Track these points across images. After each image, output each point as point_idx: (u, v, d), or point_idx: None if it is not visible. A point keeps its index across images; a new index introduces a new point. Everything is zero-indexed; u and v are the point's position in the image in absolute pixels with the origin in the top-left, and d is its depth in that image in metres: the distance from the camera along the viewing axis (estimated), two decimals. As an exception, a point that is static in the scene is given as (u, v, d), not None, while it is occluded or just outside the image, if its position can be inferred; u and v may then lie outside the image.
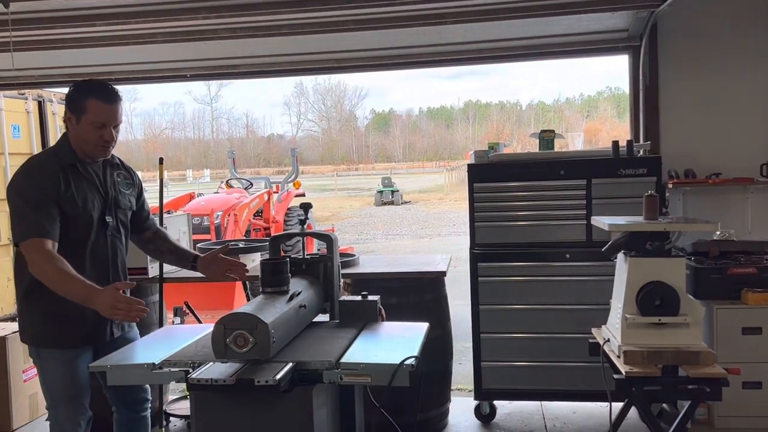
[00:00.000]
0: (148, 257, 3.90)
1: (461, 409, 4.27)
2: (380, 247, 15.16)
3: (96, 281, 2.57)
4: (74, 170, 2.66)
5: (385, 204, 27.00)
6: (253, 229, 9.21)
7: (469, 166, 4.12)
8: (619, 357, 2.78)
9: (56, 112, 7.73)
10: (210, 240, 7.25)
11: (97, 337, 2.74)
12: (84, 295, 2.47)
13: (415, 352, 2.31)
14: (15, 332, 4.35)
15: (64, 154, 2.68)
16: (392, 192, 27.77)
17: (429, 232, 17.96)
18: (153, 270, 3.98)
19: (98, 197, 2.70)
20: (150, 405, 3.01)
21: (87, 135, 2.64)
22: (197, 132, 73.31)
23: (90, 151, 2.68)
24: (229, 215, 8.44)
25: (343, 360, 2.27)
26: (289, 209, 10.14)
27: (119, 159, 2.89)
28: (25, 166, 2.68)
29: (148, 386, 2.98)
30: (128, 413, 2.93)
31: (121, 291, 2.48)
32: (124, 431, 2.95)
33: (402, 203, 27.33)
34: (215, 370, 2.18)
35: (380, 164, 59.38)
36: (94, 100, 2.62)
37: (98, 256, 2.70)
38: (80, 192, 2.64)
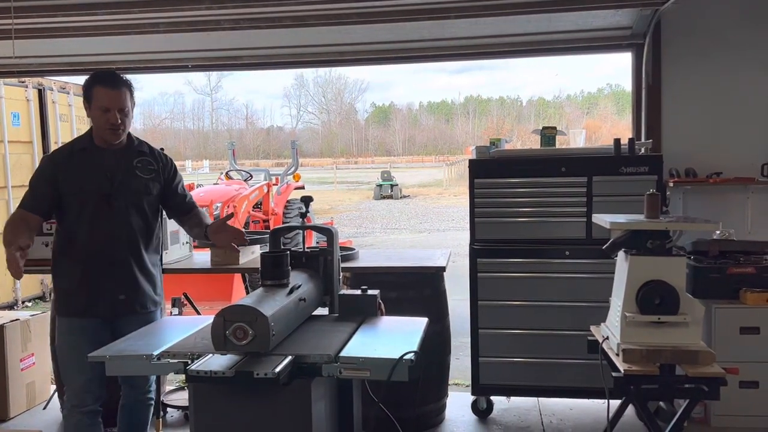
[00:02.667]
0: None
1: (458, 404, 4.27)
2: (379, 241, 15.16)
3: (99, 257, 2.86)
4: (83, 154, 2.91)
5: (384, 198, 27.00)
6: (252, 221, 9.20)
7: (471, 161, 4.11)
8: (617, 355, 2.78)
9: (56, 100, 7.71)
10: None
11: (97, 308, 2.89)
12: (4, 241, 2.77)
13: (415, 347, 2.31)
14: (12, 321, 4.36)
15: (80, 140, 3.00)
16: (391, 186, 27.76)
17: (428, 227, 17.96)
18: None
19: (102, 179, 2.87)
20: (153, 391, 3.11)
21: (96, 120, 2.88)
22: (196, 123, 73.28)
23: (102, 134, 2.89)
24: (228, 206, 8.43)
25: (342, 354, 2.27)
26: (288, 202, 10.12)
27: (150, 148, 3.07)
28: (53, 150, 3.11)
29: (152, 377, 3.08)
30: (133, 394, 3.05)
31: (23, 249, 2.69)
32: (127, 414, 3.06)
33: (401, 197, 27.33)
34: (214, 362, 2.18)
35: (379, 158, 59.32)
36: (98, 86, 2.84)
37: (99, 232, 2.87)
38: (82, 173, 2.87)
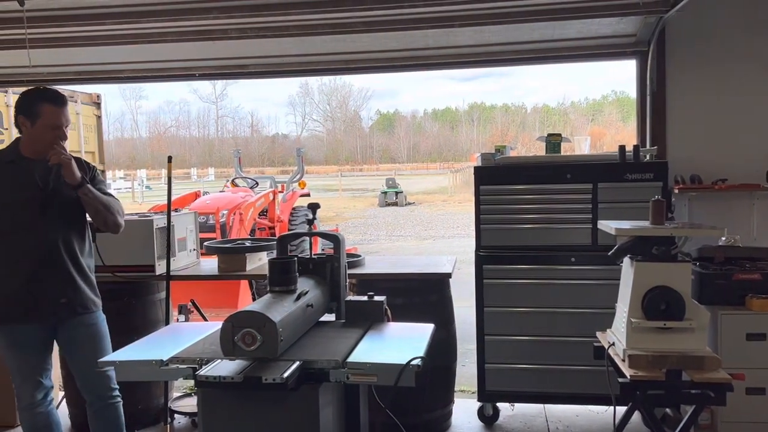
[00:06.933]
0: (156, 255, 3.97)
1: (464, 410, 4.28)
2: (384, 248, 15.16)
3: (38, 263, 2.93)
4: (11, 166, 2.97)
5: (389, 205, 27.01)
6: (258, 228, 9.22)
7: (476, 168, 4.13)
8: (623, 361, 2.79)
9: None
10: (215, 239, 7.28)
11: (38, 314, 2.96)
12: None
13: (421, 352, 2.33)
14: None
15: (5, 153, 3.06)
16: (396, 193, 27.79)
17: (433, 234, 17.97)
18: (160, 268, 4.00)
19: (34, 188, 2.95)
20: (118, 394, 3.17)
21: (42, 136, 2.93)
22: (202, 130, 73.57)
23: (44, 149, 2.92)
24: (234, 214, 8.45)
25: (349, 359, 2.29)
26: (294, 209, 10.14)
27: (75, 158, 3.10)
28: None
29: (112, 375, 3.07)
30: (97, 401, 3.12)
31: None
32: (96, 417, 3.15)
33: (406, 204, 27.34)
34: (223, 368, 2.20)
35: (384, 165, 59.43)
36: (46, 104, 2.92)
37: (38, 241, 2.94)
38: (12, 184, 2.94)
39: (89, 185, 2.99)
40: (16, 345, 2.98)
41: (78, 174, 2.93)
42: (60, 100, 2.97)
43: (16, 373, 3.04)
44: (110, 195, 3.18)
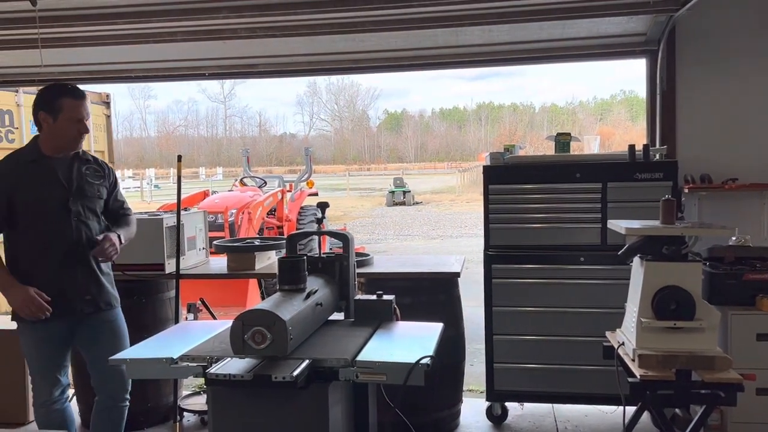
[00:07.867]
0: (165, 254, 3.99)
1: (473, 410, 4.27)
2: (391, 248, 15.16)
3: (63, 261, 2.96)
4: (34, 165, 2.98)
5: (396, 204, 27.01)
6: (266, 228, 9.24)
7: (485, 167, 4.12)
8: (633, 360, 2.78)
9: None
10: (224, 238, 7.30)
11: (62, 311, 2.96)
12: (2, 285, 2.94)
13: (430, 351, 2.33)
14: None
15: (26, 152, 3.05)
16: (404, 192, 27.78)
17: (440, 233, 17.95)
18: (170, 266, 4.02)
19: (58, 187, 2.97)
20: (129, 398, 3.20)
21: (66, 130, 2.97)
22: (210, 130, 73.83)
23: (67, 144, 3.00)
24: (243, 213, 8.47)
25: (358, 358, 2.29)
26: (302, 208, 10.16)
27: (93, 156, 3.19)
28: None
29: (129, 380, 3.14)
30: (108, 401, 3.15)
31: (36, 295, 2.88)
32: (101, 417, 3.17)
33: (413, 204, 27.33)
34: (233, 366, 2.21)
35: (392, 164, 59.47)
36: (67, 98, 2.95)
37: (63, 238, 2.97)
38: (37, 183, 2.95)
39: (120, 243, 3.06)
40: (39, 341, 3.00)
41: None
42: (79, 93, 3.00)
43: (35, 370, 3.06)
44: (126, 211, 3.26)
